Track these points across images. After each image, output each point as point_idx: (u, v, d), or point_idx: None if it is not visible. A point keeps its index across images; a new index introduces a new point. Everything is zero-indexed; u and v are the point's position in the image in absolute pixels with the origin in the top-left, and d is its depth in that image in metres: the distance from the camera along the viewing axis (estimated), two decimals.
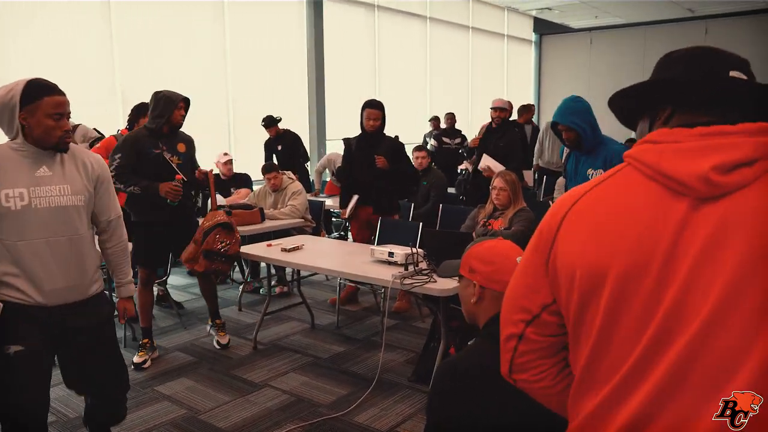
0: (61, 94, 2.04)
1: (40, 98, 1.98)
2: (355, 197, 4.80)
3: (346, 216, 4.90)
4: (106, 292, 2.32)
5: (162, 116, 3.63)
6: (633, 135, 8.09)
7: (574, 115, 3.28)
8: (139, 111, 4.45)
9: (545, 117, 9.41)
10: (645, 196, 0.93)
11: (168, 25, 6.80)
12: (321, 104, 8.54)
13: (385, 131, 4.73)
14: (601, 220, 0.96)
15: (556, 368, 1.09)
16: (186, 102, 3.72)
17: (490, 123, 5.64)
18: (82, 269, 2.15)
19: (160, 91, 3.70)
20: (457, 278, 1.70)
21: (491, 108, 5.60)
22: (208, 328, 4.28)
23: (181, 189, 3.64)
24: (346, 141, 5.06)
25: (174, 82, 6.42)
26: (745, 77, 0.97)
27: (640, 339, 0.89)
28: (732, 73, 0.97)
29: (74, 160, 2.14)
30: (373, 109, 4.62)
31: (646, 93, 1.04)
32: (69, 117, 2.07)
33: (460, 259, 1.68)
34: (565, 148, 3.54)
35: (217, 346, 4.06)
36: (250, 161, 6.87)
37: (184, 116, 3.71)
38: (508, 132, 5.61)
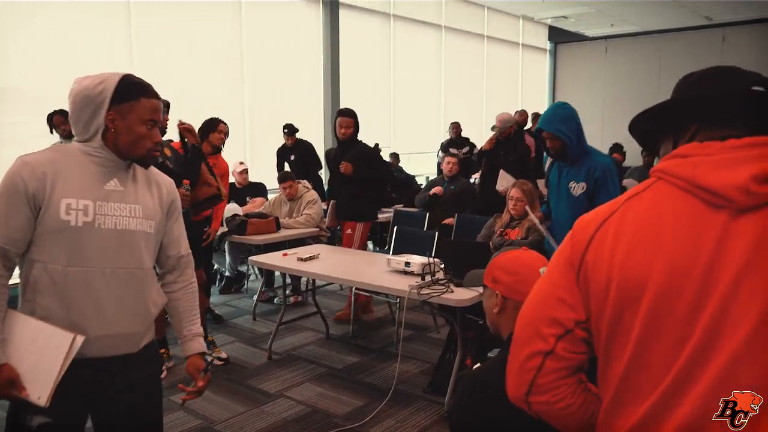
0: (158, 97, 1.67)
1: (137, 98, 1.61)
2: (331, 203, 5.06)
3: (326, 224, 5.19)
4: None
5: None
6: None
7: (561, 123, 3.10)
8: (210, 126, 4.35)
9: None
10: (681, 210, 0.93)
11: (185, 38, 6.84)
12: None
13: (359, 137, 4.79)
14: (636, 233, 0.96)
15: (574, 387, 1.07)
16: None
17: (497, 136, 5.64)
18: (142, 313, 1.69)
19: None
20: (482, 288, 1.67)
21: (493, 128, 5.60)
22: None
23: (189, 193, 3.65)
24: (327, 152, 5.19)
25: (192, 94, 6.47)
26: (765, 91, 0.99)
27: (682, 350, 0.89)
28: (754, 89, 0.99)
29: (147, 178, 1.73)
30: (344, 117, 4.71)
31: (669, 113, 1.05)
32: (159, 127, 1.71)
33: (483, 268, 1.65)
34: (548, 157, 3.41)
35: (219, 362, 3.96)
36: (266, 170, 6.90)
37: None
38: (518, 146, 5.57)
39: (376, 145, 4.95)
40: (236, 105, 7.44)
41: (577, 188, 3.16)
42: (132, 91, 1.61)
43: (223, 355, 4.01)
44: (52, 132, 5.09)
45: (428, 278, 3.26)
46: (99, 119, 1.59)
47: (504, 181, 5.24)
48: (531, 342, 1.06)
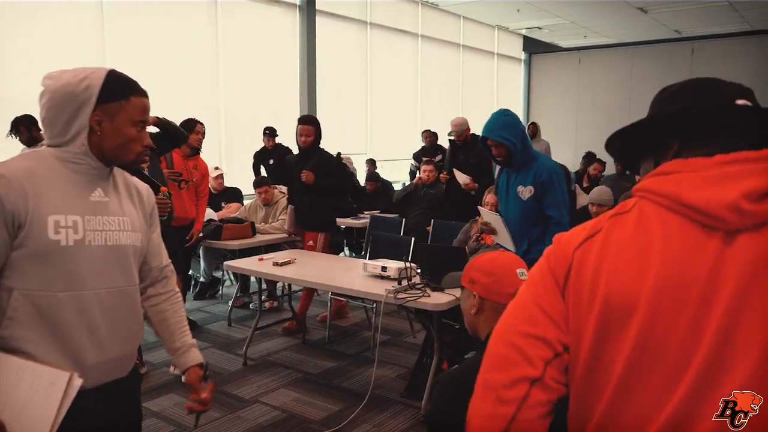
0: (147, 95, 1.47)
1: (127, 97, 1.40)
2: (290, 209, 4.95)
3: (286, 229, 5.09)
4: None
5: None
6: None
7: (504, 130, 3.10)
8: (187, 127, 4.30)
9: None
10: (671, 231, 0.86)
11: (160, 41, 6.78)
12: None
13: (321, 145, 4.74)
14: (622, 254, 0.89)
15: None
16: None
17: (453, 140, 5.70)
18: (133, 332, 1.53)
19: None
20: (459, 291, 1.69)
21: (450, 134, 5.68)
22: (173, 369, 3.79)
23: (168, 202, 3.59)
24: (287, 159, 5.17)
25: (168, 95, 6.41)
26: (750, 104, 0.93)
27: (678, 383, 0.83)
28: (738, 102, 0.93)
29: (126, 186, 1.54)
30: (305, 125, 4.66)
31: (648, 129, 0.97)
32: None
33: (460, 272, 1.67)
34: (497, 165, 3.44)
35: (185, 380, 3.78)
36: (242, 175, 6.86)
37: None
38: (475, 148, 5.64)
39: (338, 153, 4.93)
40: (212, 109, 7.39)
41: (525, 192, 3.20)
42: (121, 89, 1.41)
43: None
44: (14, 137, 4.92)
45: (405, 283, 3.28)
46: (82, 120, 1.37)
47: (462, 177, 5.36)
48: (514, 365, 0.92)
